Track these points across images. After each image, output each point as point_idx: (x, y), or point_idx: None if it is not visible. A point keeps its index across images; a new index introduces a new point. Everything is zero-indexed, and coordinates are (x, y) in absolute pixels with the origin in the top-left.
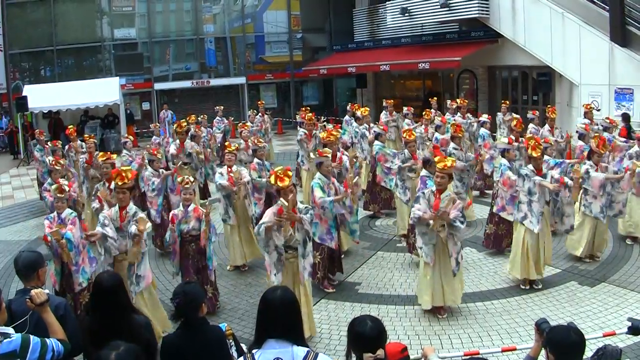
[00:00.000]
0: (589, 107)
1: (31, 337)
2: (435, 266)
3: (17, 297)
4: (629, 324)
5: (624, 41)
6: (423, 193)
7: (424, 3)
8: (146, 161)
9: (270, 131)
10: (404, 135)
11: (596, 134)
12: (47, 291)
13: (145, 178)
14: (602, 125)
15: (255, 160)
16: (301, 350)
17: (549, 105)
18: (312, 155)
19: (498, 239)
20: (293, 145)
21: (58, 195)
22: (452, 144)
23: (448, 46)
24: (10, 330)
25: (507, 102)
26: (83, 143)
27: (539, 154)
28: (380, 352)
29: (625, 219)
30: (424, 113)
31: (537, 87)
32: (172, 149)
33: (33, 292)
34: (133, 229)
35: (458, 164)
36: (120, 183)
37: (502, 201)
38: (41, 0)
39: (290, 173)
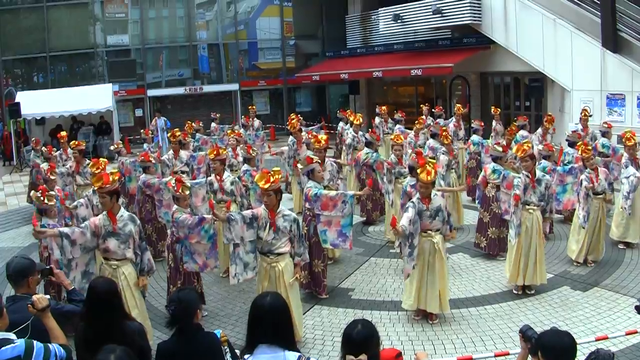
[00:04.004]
0: (585, 114)
1: (34, 342)
2: (423, 270)
3: (7, 304)
4: (638, 303)
5: (615, 47)
6: (413, 202)
7: (416, 10)
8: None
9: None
10: (392, 138)
11: (579, 142)
12: (47, 296)
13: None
14: (600, 131)
15: (245, 167)
16: (293, 356)
17: (549, 114)
18: (299, 165)
19: (502, 242)
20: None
21: (49, 203)
22: (443, 148)
23: (440, 52)
24: (12, 336)
25: (498, 110)
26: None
27: (524, 153)
28: (362, 357)
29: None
30: (416, 122)
31: (529, 93)
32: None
33: (35, 297)
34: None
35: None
36: (97, 185)
37: (504, 205)
38: (34, 7)
39: (278, 177)
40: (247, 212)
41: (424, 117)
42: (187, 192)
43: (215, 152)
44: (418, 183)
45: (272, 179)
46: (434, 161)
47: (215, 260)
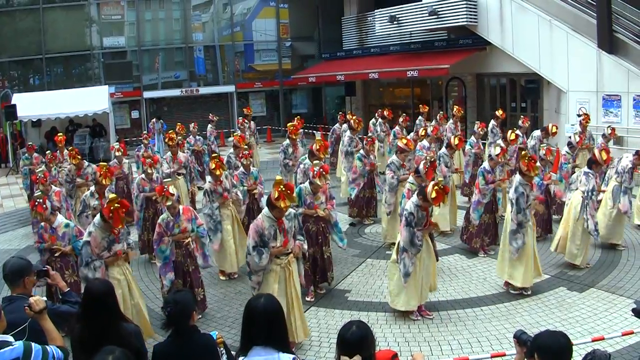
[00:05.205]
0: (587, 119)
1: (33, 344)
2: (421, 267)
3: (4, 305)
4: (635, 306)
5: (611, 48)
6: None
7: (412, 11)
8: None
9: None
10: (402, 141)
11: (602, 145)
12: (44, 298)
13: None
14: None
15: (241, 170)
16: (287, 357)
17: (554, 124)
18: (315, 161)
19: (470, 237)
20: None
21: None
22: (444, 149)
23: (437, 54)
24: (10, 338)
25: (504, 114)
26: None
27: (536, 173)
28: (356, 358)
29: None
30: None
31: (525, 94)
32: (165, 167)
33: (32, 299)
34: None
35: (444, 169)
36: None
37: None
38: (30, 9)
39: (294, 196)
40: (257, 254)
41: (424, 125)
42: (169, 203)
43: (218, 165)
44: (422, 201)
45: (292, 198)
46: (442, 182)
47: (163, 280)
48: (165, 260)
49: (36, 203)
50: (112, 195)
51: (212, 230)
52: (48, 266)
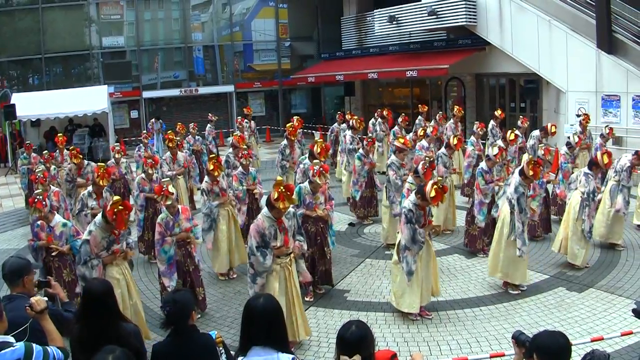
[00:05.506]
0: (587, 119)
1: (34, 345)
2: (419, 267)
3: (3, 303)
4: (635, 306)
5: (610, 48)
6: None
7: (411, 11)
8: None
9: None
10: (399, 141)
11: (604, 148)
12: (45, 298)
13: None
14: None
15: (239, 170)
16: (286, 357)
17: (553, 124)
18: (315, 160)
19: (472, 239)
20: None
21: (37, 215)
22: (443, 149)
23: (436, 54)
24: (11, 339)
25: (503, 114)
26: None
27: (539, 177)
28: (356, 358)
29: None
30: (400, 120)
31: (524, 94)
32: (165, 168)
33: (33, 299)
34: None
35: (441, 169)
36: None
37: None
38: (29, 9)
39: (295, 198)
40: (261, 255)
41: (423, 125)
42: (169, 202)
43: (217, 166)
44: (421, 200)
45: (291, 199)
46: (441, 181)
47: (169, 281)
48: (169, 261)
49: (36, 199)
50: (116, 197)
51: (206, 229)
52: (49, 277)
